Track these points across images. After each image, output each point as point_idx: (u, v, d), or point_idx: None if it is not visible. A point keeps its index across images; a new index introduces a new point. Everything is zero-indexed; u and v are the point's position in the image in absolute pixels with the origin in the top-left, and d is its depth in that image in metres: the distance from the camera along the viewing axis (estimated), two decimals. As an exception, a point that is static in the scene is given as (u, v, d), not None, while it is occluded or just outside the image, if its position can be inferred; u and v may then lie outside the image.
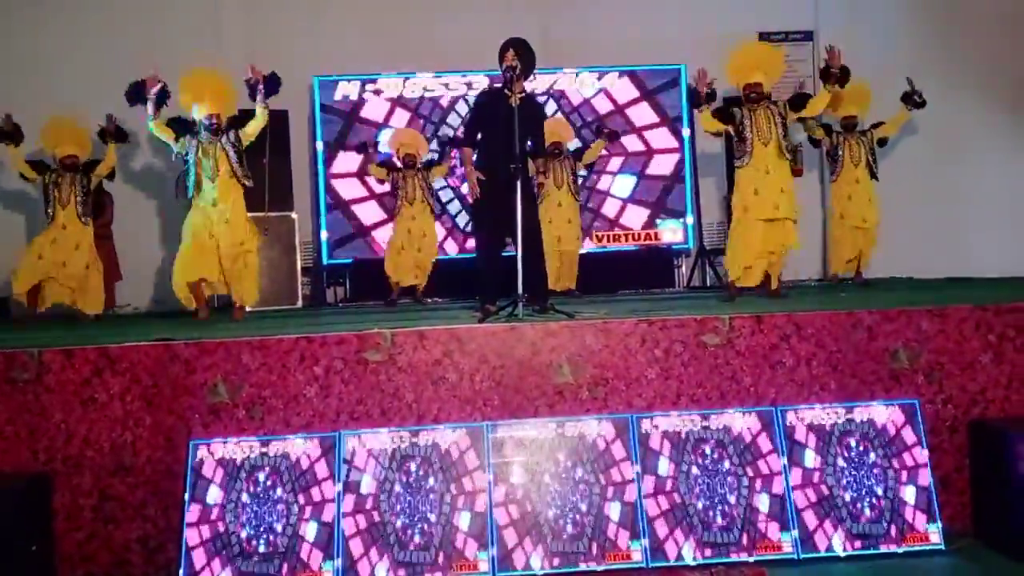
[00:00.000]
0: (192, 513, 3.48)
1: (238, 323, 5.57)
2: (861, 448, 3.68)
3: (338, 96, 8.44)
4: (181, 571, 3.42)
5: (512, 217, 4.64)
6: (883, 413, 3.74)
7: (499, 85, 5.16)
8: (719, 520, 3.56)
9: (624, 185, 8.78)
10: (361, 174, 8.30)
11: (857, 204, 7.28)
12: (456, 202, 8.61)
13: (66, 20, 8.18)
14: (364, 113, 8.47)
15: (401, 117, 8.49)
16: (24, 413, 3.62)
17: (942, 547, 3.56)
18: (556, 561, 3.48)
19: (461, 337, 3.82)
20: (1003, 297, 4.24)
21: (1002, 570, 3.47)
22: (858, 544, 3.56)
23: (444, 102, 8.60)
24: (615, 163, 8.76)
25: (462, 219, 8.50)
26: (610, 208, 8.77)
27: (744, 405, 3.81)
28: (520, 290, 4.59)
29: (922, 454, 3.68)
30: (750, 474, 3.63)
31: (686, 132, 8.74)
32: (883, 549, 3.55)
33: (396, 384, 3.77)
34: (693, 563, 3.50)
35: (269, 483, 3.54)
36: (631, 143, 8.74)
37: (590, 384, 3.82)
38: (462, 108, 8.50)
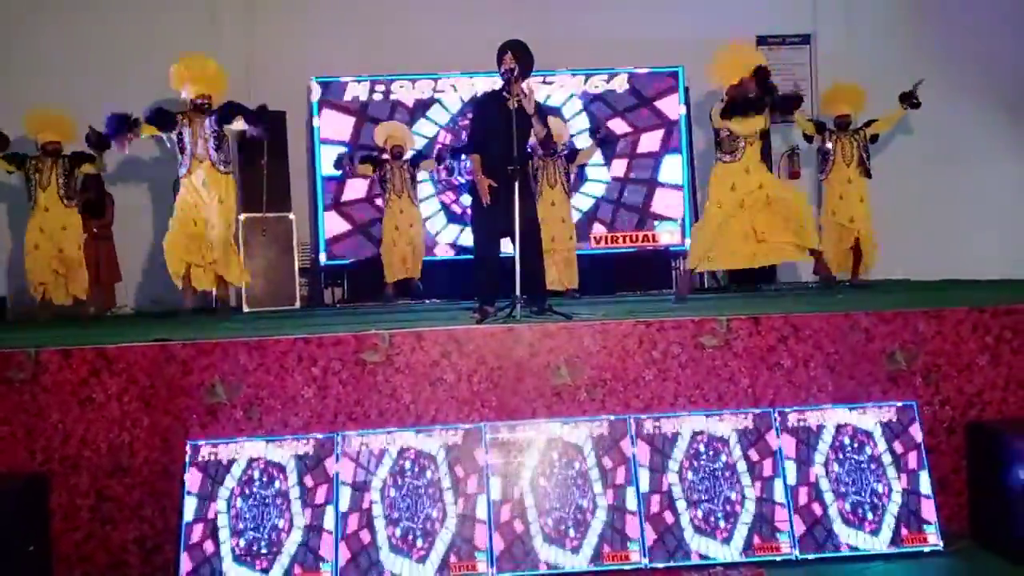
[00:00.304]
0: (189, 514, 3.48)
1: (236, 322, 5.59)
2: (858, 449, 3.68)
3: (338, 96, 8.46)
4: (178, 572, 3.41)
5: (511, 219, 4.65)
6: (880, 415, 3.74)
7: (497, 88, 5.16)
8: (717, 521, 3.57)
9: (619, 187, 8.79)
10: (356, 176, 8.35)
11: (847, 203, 7.29)
12: (455, 204, 8.63)
13: (65, 21, 8.20)
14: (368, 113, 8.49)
15: (401, 118, 8.50)
16: (21, 413, 3.61)
17: (940, 548, 3.56)
18: (555, 562, 3.48)
19: (459, 338, 3.81)
20: (1000, 299, 4.23)
21: (999, 572, 3.46)
22: (856, 545, 3.56)
23: (448, 103, 8.63)
24: (613, 165, 8.77)
25: (463, 219, 8.52)
26: (605, 211, 8.78)
27: (742, 406, 3.80)
28: (518, 291, 4.60)
29: (919, 456, 3.68)
30: (748, 475, 3.63)
31: (684, 134, 8.75)
32: (881, 550, 3.55)
33: (394, 385, 3.76)
34: (692, 563, 3.50)
35: (267, 484, 3.53)
36: (627, 144, 8.75)
37: (588, 385, 3.81)
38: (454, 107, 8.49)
